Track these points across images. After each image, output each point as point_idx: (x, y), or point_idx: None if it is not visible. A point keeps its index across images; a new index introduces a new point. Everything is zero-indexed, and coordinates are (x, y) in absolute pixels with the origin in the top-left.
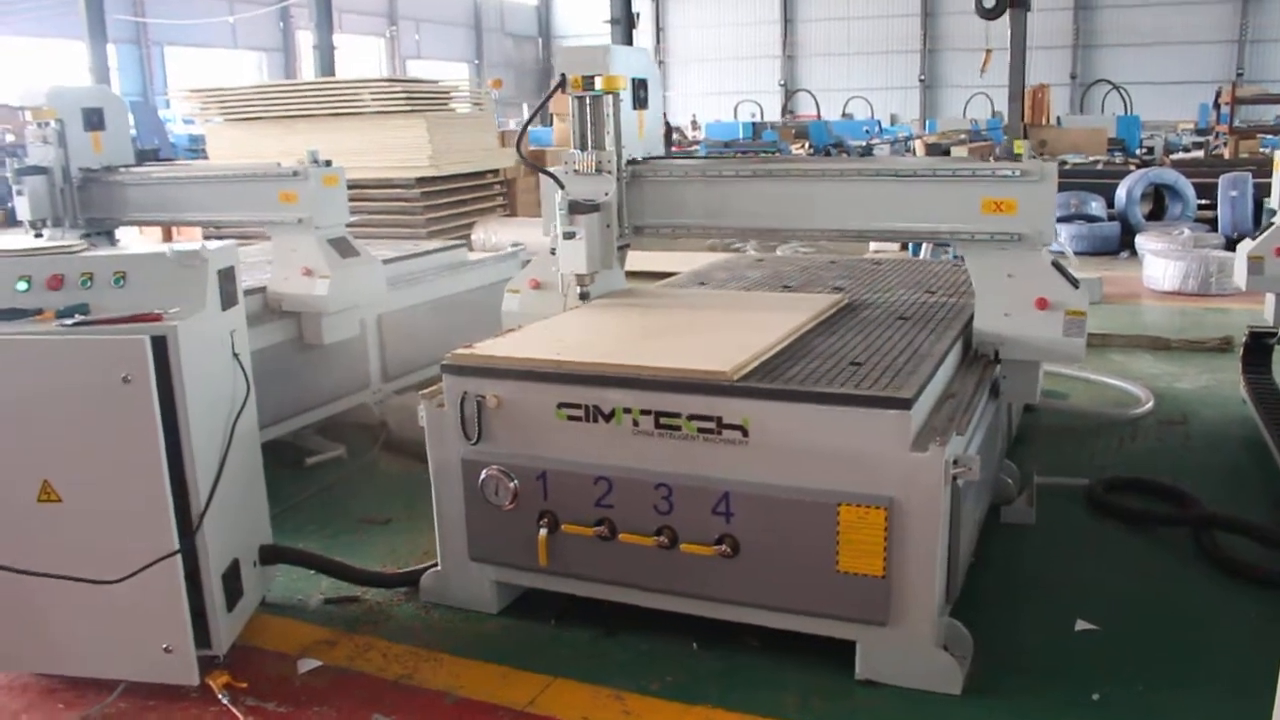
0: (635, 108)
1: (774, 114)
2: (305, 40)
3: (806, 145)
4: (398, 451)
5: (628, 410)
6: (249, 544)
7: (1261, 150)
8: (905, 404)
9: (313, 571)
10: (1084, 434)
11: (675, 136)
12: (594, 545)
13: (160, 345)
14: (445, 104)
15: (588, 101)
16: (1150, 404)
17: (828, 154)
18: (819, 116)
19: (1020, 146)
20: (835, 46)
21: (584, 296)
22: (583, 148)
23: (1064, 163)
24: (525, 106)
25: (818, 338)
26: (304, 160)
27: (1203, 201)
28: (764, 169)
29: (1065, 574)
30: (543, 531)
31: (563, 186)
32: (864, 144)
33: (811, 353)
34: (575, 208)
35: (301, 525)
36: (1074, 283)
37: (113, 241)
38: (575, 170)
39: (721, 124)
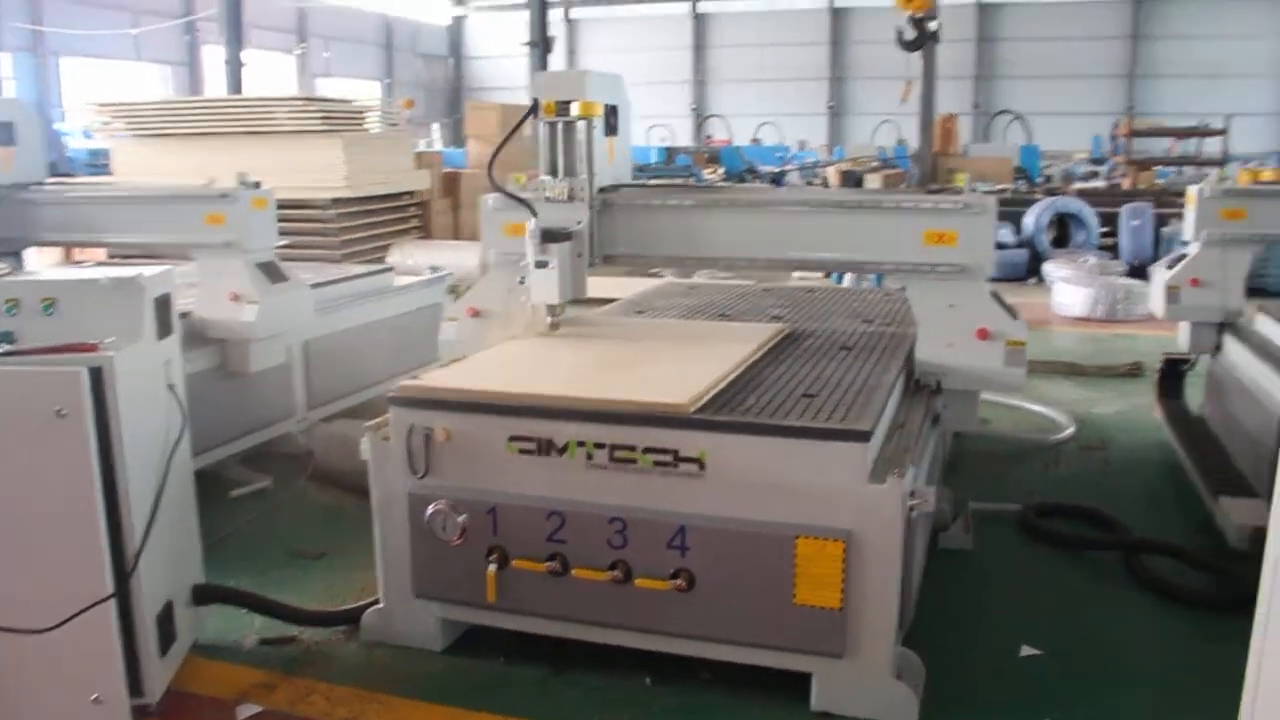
0: (606, 134)
1: (686, 138)
2: (211, 55)
3: (719, 170)
4: (326, 482)
5: (581, 443)
6: (182, 583)
7: (1157, 181)
8: (864, 436)
9: (245, 610)
10: (1009, 459)
11: None
12: (545, 581)
13: (96, 377)
14: (361, 124)
15: (559, 127)
16: (1071, 429)
17: (741, 180)
18: (730, 142)
19: (961, 179)
20: (746, 73)
21: (554, 327)
22: (554, 174)
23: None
24: (436, 127)
25: (766, 368)
26: (215, 181)
27: (1104, 229)
28: (731, 199)
29: (1004, 599)
30: (492, 567)
31: (535, 214)
32: (777, 170)
33: (762, 384)
34: (548, 235)
35: (229, 561)
36: (1013, 313)
37: (20, 264)
38: (546, 197)
39: (636, 148)
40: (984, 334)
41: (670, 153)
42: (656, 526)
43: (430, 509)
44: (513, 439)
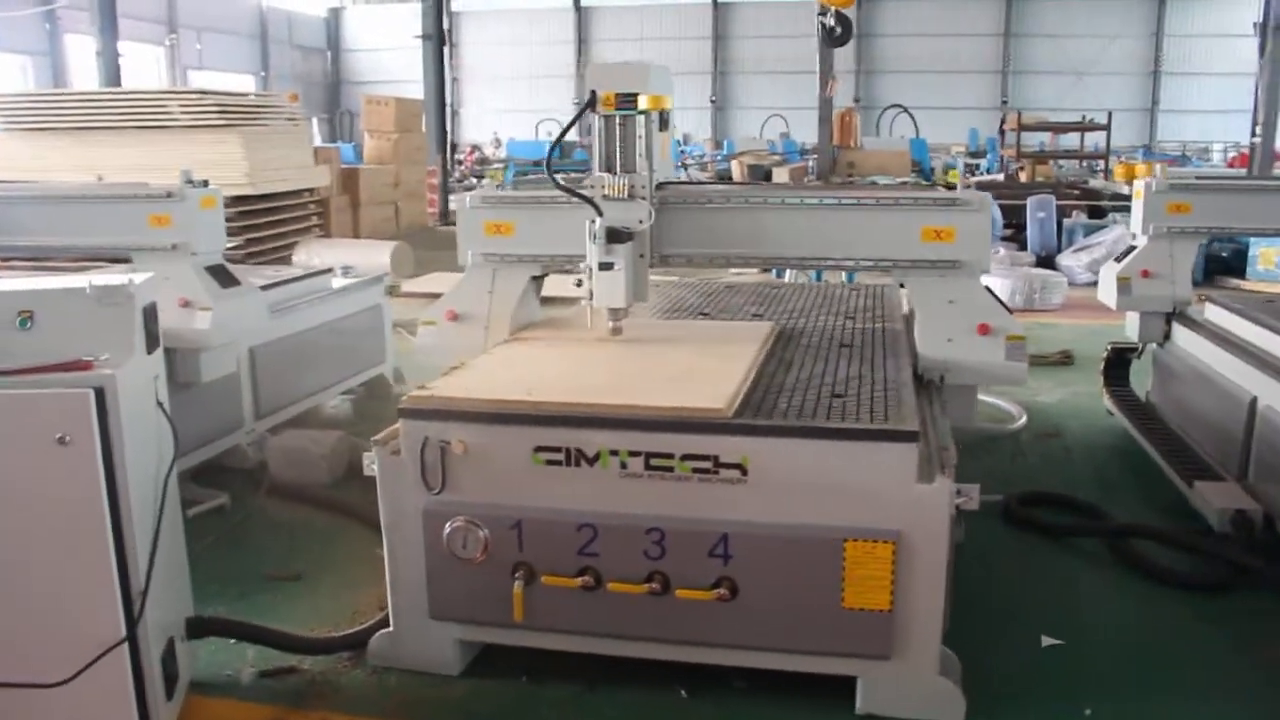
0: (660, 129)
1: (574, 133)
2: (76, 45)
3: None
4: (284, 496)
5: (614, 452)
6: (178, 617)
7: (1055, 174)
8: (913, 436)
9: (234, 641)
10: (973, 449)
11: (476, 154)
12: (577, 596)
13: (99, 398)
14: (258, 118)
15: (617, 121)
16: (1024, 419)
17: None
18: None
19: (955, 175)
20: None
21: (616, 332)
22: (610, 170)
23: (875, 184)
24: (314, 121)
25: (778, 370)
26: (103, 177)
27: (1005, 222)
28: (797, 197)
29: (1008, 591)
30: (518, 585)
31: (600, 213)
32: (678, 164)
33: (784, 386)
34: (614, 236)
35: (201, 586)
36: (1008, 309)
37: None
38: (604, 195)
39: (526, 142)
40: (985, 329)
41: (564, 147)
42: (697, 536)
43: (449, 526)
44: (538, 450)
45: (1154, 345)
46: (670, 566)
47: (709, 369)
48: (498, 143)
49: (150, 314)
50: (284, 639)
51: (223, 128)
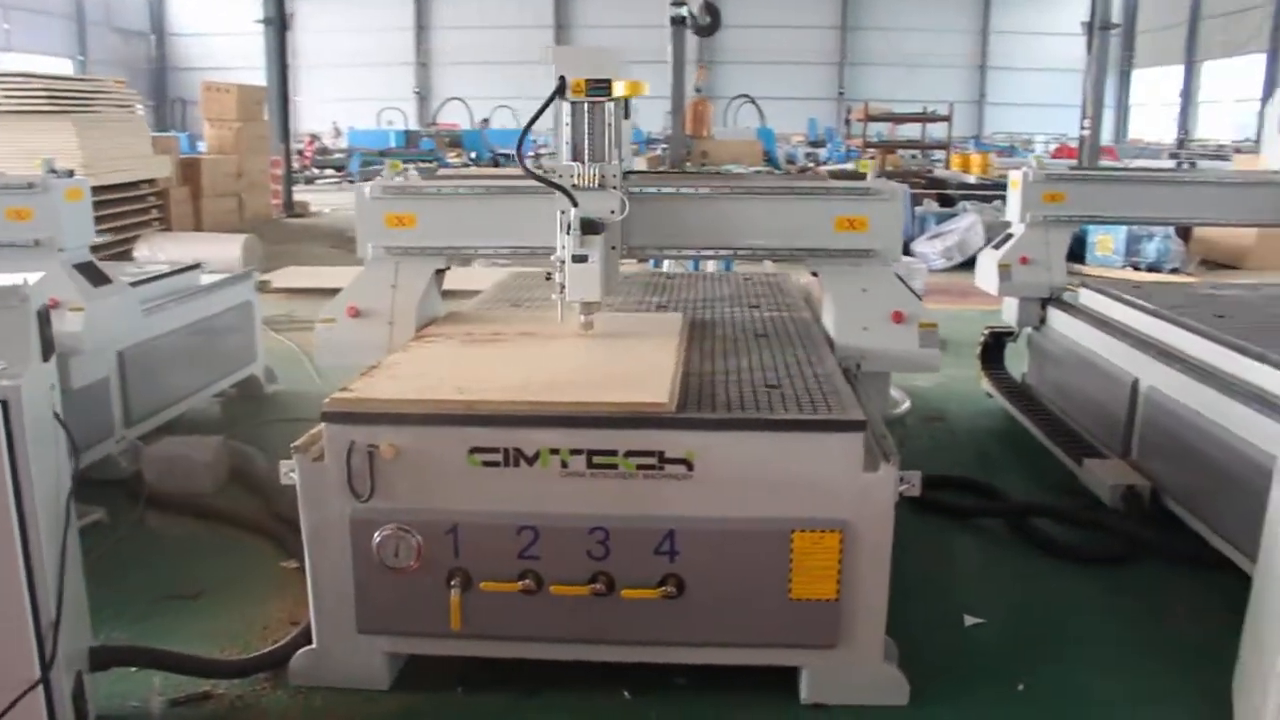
0: (625, 117)
1: (413, 122)
2: None
3: (461, 154)
4: (166, 509)
5: (555, 451)
6: (82, 648)
7: (903, 164)
8: (860, 426)
9: (134, 669)
10: None
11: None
12: (517, 601)
13: (4, 411)
14: (91, 104)
15: (586, 108)
16: (908, 403)
17: (496, 164)
18: (474, 125)
19: (866, 165)
20: (470, 55)
21: (588, 327)
22: (578, 160)
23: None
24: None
25: (703, 361)
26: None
27: None
28: (709, 187)
29: (921, 571)
30: (454, 592)
31: (575, 203)
32: (533, 154)
33: (714, 377)
34: (589, 226)
35: (94, 609)
36: (918, 296)
37: None
38: (574, 185)
39: (368, 131)
40: (899, 317)
41: (410, 136)
42: (642, 533)
43: (378, 535)
44: (474, 451)
45: (1029, 329)
46: (615, 566)
47: (636, 363)
48: (338, 132)
49: (44, 317)
50: (198, 664)
51: (53, 114)
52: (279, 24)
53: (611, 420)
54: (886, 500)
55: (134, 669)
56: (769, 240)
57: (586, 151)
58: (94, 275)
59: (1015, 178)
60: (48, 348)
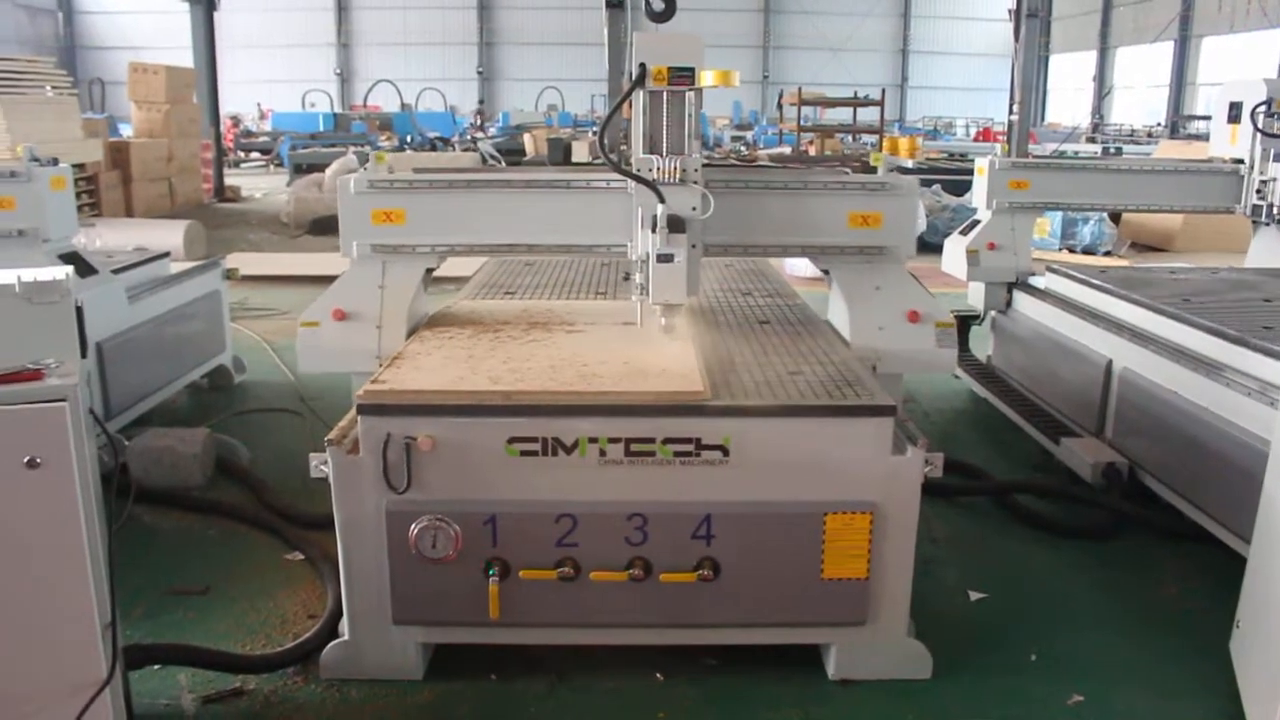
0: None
1: (336, 104)
2: None
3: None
4: (155, 503)
5: (594, 440)
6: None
7: (842, 148)
8: (890, 411)
9: (159, 666)
10: None
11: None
12: (555, 588)
13: (68, 410)
14: (18, 85)
15: (665, 98)
16: None
17: (434, 148)
18: (404, 107)
19: (878, 159)
20: (391, 36)
21: (669, 329)
22: (656, 152)
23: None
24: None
25: (717, 349)
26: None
27: None
28: (722, 181)
29: (920, 550)
30: (493, 581)
31: (663, 199)
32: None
33: (734, 365)
34: (676, 224)
35: None
36: (930, 294)
37: None
38: (654, 180)
39: (293, 114)
40: (914, 316)
41: (339, 119)
42: (679, 519)
43: (415, 526)
44: (512, 441)
45: (994, 312)
46: (652, 551)
47: (657, 351)
48: (261, 114)
49: (80, 313)
50: (230, 660)
51: None
52: (206, 3)
53: (651, 409)
54: (914, 481)
55: (157, 667)
56: (780, 238)
57: (665, 144)
58: (80, 266)
59: (982, 165)
60: (84, 344)
